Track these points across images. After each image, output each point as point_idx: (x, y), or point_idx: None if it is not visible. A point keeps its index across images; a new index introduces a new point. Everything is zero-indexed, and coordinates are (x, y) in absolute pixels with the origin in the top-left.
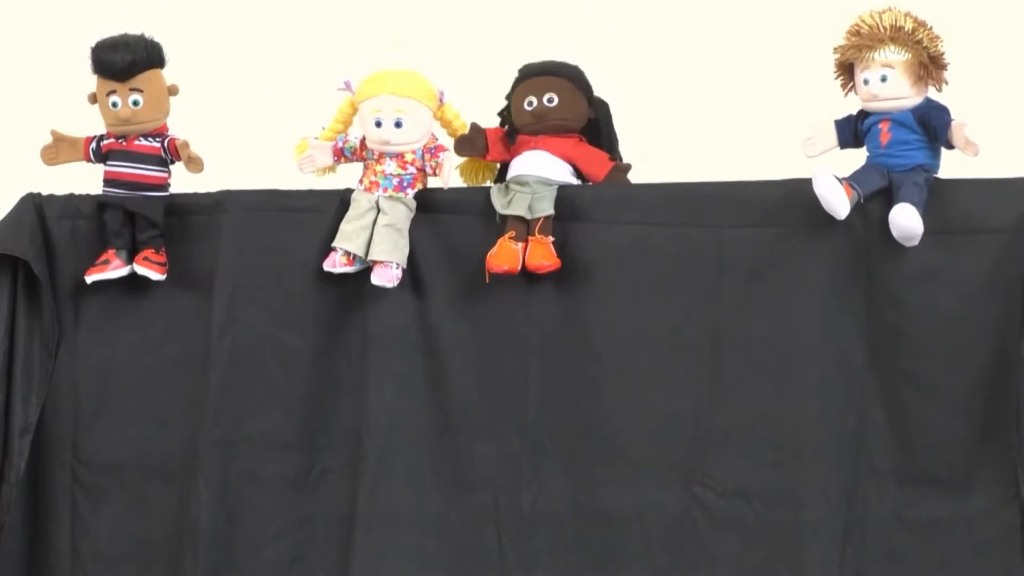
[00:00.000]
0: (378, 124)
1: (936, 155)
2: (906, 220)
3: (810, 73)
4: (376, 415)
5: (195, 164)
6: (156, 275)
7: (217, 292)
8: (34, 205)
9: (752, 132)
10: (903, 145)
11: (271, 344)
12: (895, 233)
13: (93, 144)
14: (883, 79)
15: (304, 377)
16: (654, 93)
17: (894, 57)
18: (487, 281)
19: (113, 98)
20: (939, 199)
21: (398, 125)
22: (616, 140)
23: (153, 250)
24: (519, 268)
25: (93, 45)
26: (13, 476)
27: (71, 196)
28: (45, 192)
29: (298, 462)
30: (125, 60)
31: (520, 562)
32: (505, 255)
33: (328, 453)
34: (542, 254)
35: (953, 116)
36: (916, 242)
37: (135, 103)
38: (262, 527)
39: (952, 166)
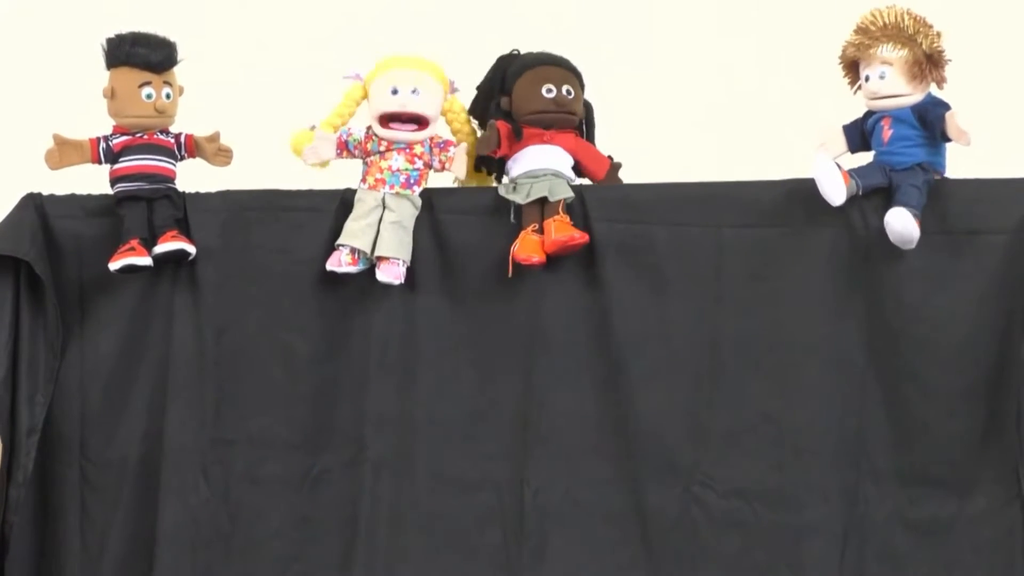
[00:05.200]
0: (394, 92)
1: (937, 153)
2: (900, 224)
3: (810, 73)
4: (378, 415)
5: (225, 155)
6: (191, 247)
7: (218, 292)
8: (34, 205)
9: (751, 132)
10: (903, 141)
11: (272, 344)
12: (891, 237)
13: (102, 144)
14: (882, 76)
15: (304, 377)
16: (654, 92)
17: (891, 55)
18: (510, 275)
19: (148, 89)
20: (940, 199)
21: (415, 92)
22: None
23: (177, 231)
24: (545, 257)
25: (113, 38)
26: (21, 476)
27: (72, 196)
28: (45, 192)
29: (298, 462)
30: (163, 53)
31: (524, 561)
32: (530, 246)
33: (328, 453)
34: (567, 229)
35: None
36: (913, 246)
37: (168, 96)
38: (262, 526)
39: (953, 166)
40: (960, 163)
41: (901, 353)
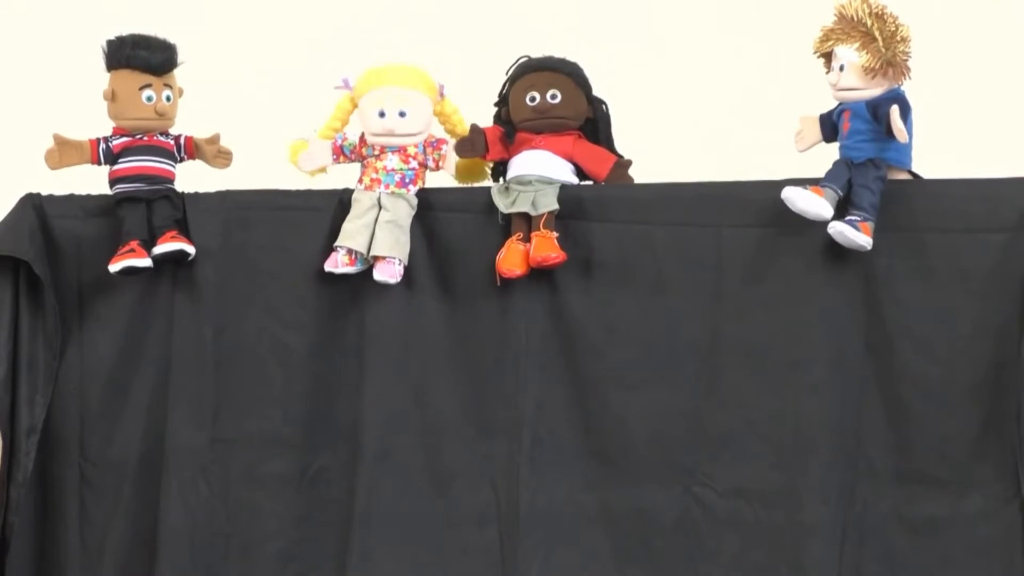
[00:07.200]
0: (381, 115)
1: (891, 148)
2: (843, 239)
3: (810, 72)
4: (373, 413)
5: (225, 157)
6: (191, 247)
7: (217, 291)
8: (33, 206)
9: (751, 132)
10: (857, 135)
11: (270, 343)
12: None
13: (102, 146)
14: (841, 68)
15: (302, 375)
16: (653, 92)
17: (847, 52)
18: (498, 284)
19: (148, 92)
20: (939, 199)
21: (402, 115)
22: (612, 140)
23: (176, 231)
24: (529, 269)
25: (114, 41)
26: (21, 476)
27: (71, 196)
28: (45, 192)
29: (296, 460)
30: (163, 55)
31: (520, 561)
32: (514, 258)
33: (326, 452)
34: (547, 247)
35: (910, 106)
36: (868, 247)
37: (168, 98)
38: (260, 525)
39: (953, 166)
40: (960, 163)
41: (900, 353)
